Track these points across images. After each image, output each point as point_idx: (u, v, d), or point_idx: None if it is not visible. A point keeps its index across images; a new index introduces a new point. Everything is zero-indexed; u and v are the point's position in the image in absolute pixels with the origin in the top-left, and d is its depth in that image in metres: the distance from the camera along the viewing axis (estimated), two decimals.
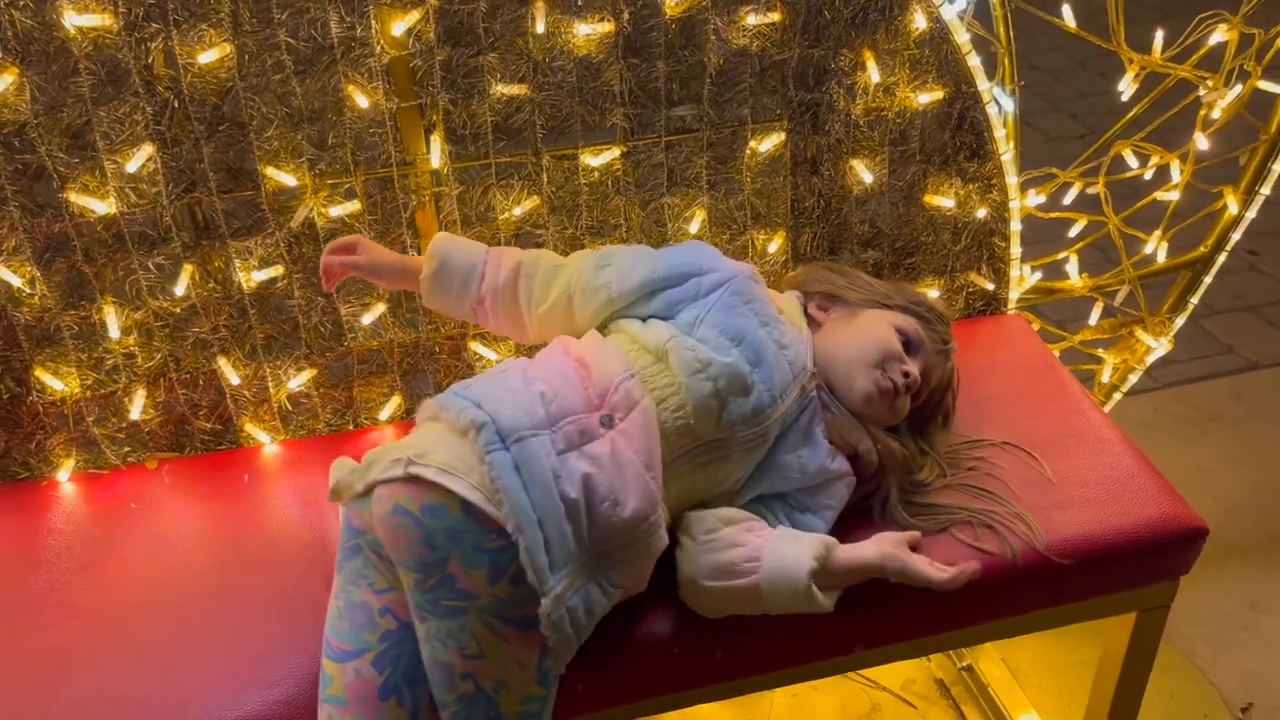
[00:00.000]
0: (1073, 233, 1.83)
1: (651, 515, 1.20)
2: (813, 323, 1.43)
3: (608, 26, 1.45)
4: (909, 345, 1.38)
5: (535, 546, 1.12)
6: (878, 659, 1.41)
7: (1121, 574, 1.40)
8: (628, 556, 1.20)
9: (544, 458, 1.14)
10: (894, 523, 1.35)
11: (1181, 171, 1.76)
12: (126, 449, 1.57)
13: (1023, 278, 1.77)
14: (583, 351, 1.28)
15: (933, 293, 1.74)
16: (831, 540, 1.26)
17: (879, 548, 1.26)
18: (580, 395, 1.21)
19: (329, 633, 1.21)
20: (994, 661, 1.98)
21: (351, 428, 1.64)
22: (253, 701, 1.23)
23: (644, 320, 1.34)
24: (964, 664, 1.99)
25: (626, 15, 1.45)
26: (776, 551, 1.23)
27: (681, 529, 1.29)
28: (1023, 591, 1.37)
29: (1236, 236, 1.84)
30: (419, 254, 1.54)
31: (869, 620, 1.32)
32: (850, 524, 1.36)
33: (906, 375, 1.35)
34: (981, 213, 1.69)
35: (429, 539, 1.12)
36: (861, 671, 2.00)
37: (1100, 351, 1.95)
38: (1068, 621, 1.45)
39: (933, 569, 1.25)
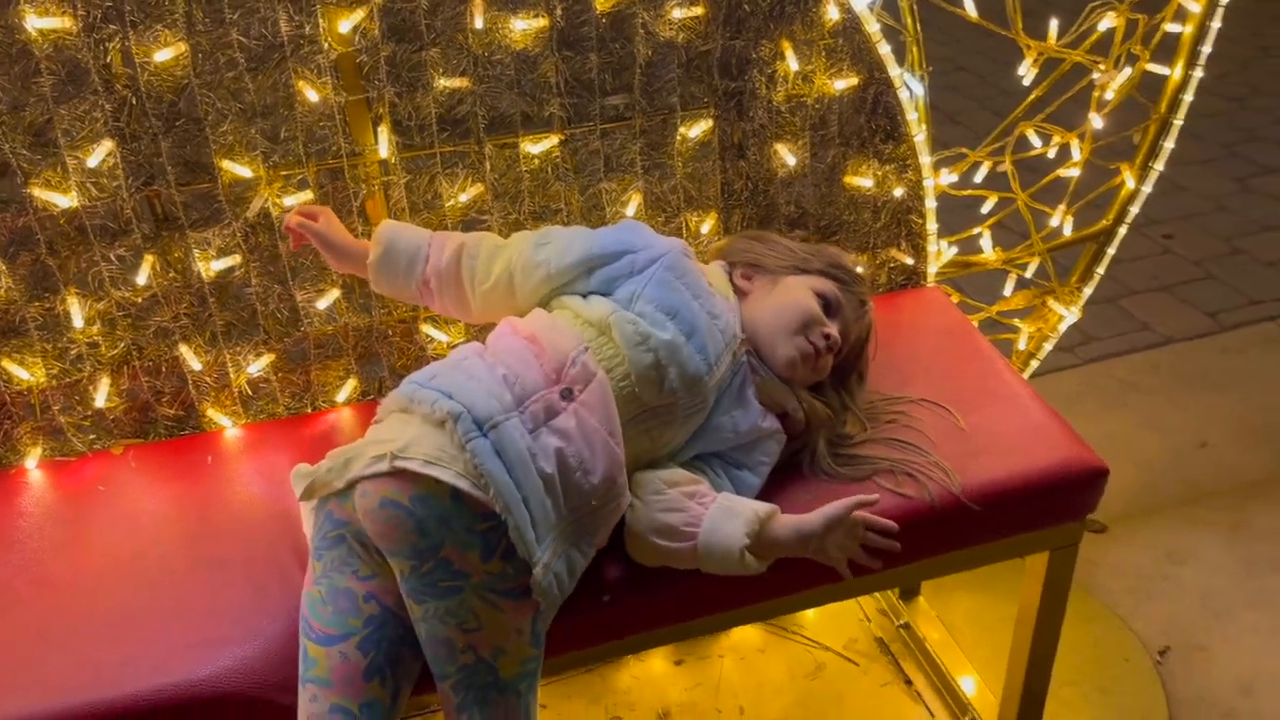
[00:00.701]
0: (985, 209, 1.96)
1: (619, 478, 1.30)
2: (739, 291, 1.52)
3: (542, 22, 1.55)
4: (828, 307, 1.48)
5: (523, 523, 1.20)
6: (807, 602, 1.52)
7: (1032, 514, 1.52)
8: (601, 517, 1.30)
9: (519, 439, 1.22)
10: (822, 474, 1.46)
11: (1081, 150, 1.90)
12: (92, 436, 1.63)
13: (940, 252, 1.89)
14: (531, 328, 1.35)
15: (856, 268, 1.86)
16: (769, 511, 1.32)
17: (815, 540, 1.31)
18: (539, 373, 1.28)
19: (310, 615, 1.27)
20: (930, 619, 2.10)
21: (310, 410, 1.72)
22: (225, 659, 1.29)
23: (585, 296, 1.42)
24: (901, 622, 2.10)
25: (559, 10, 1.55)
26: (713, 525, 1.30)
27: (631, 488, 1.37)
28: (944, 533, 1.48)
29: (1135, 210, 1.98)
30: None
31: (798, 564, 1.42)
32: (783, 477, 1.47)
33: (827, 337, 1.45)
34: (898, 192, 1.81)
35: (421, 527, 1.19)
36: (805, 633, 2.11)
37: (1016, 321, 2.08)
38: (987, 561, 1.57)
39: (844, 566, 1.33)
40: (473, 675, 1.23)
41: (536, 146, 1.63)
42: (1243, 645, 2.06)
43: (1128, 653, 2.06)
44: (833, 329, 1.47)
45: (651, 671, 2.06)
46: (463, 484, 1.19)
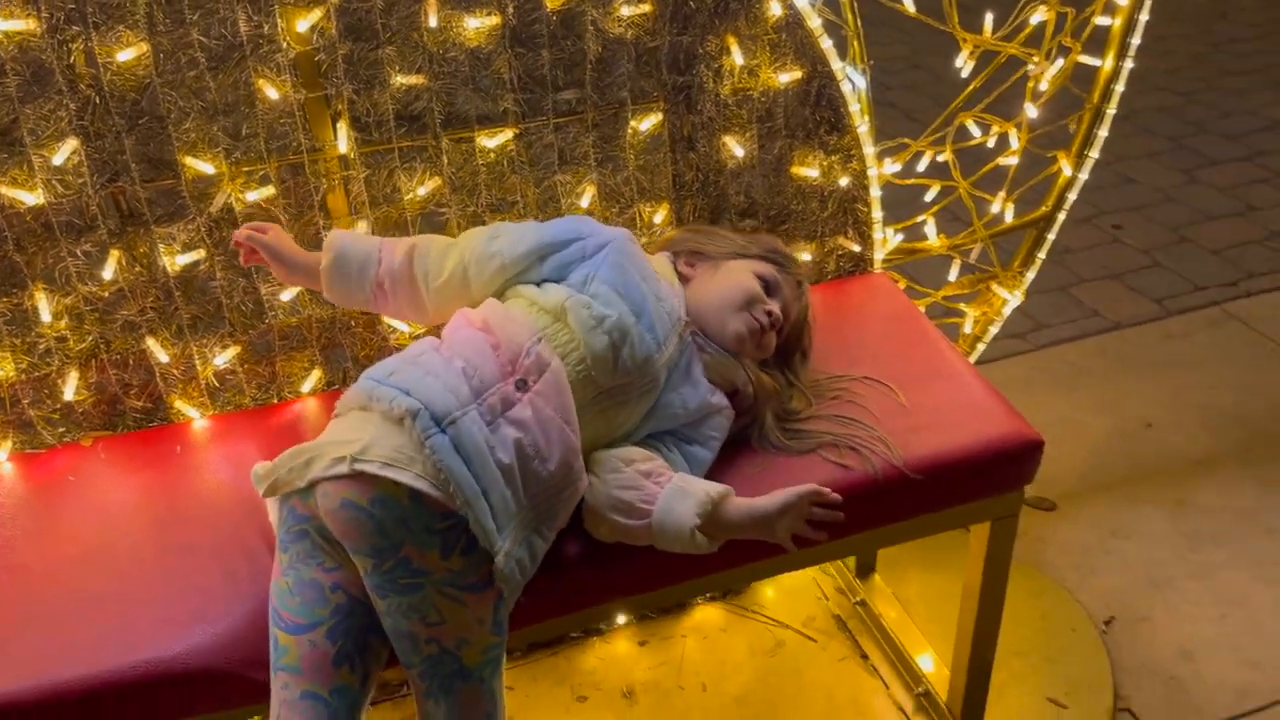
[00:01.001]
0: (928, 197, 2.03)
1: (575, 463, 1.35)
2: (683, 278, 1.59)
3: (494, 20, 1.60)
4: (768, 287, 1.56)
5: (483, 515, 1.25)
6: (756, 574, 1.59)
7: (973, 485, 1.59)
8: (560, 502, 1.35)
9: (477, 433, 1.26)
10: (770, 447, 1.53)
11: (1019, 139, 1.97)
12: (62, 429, 1.66)
13: (885, 240, 1.96)
14: (486, 318, 1.40)
15: (804, 256, 1.93)
16: (721, 493, 1.36)
17: (767, 528, 1.35)
18: (494, 365, 1.33)
19: (279, 605, 1.31)
20: (885, 596, 2.17)
21: (276, 401, 1.76)
22: (196, 637, 1.34)
23: (539, 285, 1.47)
24: (858, 599, 2.17)
25: (511, 9, 1.60)
26: (666, 505, 1.35)
27: (589, 467, 1.42)
28: (890, 505, 1.55)
29: (1073, 196, 2.05)
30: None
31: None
32: (733, 451, 1.53)
33: (770, 314, 1.53)
34: (844, 181, 1.88)
35: (381, 528, 1.23)
36: (765, 612, 2.17)
37: (962, 305, 2.16)
38: (931, 531, 1.63)
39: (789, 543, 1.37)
40: (437, 665, 1.29)
41: (492, 140, 1.68)
42: (1183, 614, 2.14)
43: (1074, 624, 2.13)
44: (774, 306, 1.55)
45: (616, 652, 2.11)
46: (421, 485, 1.23)
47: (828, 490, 1.36)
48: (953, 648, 1.83)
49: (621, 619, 2.13)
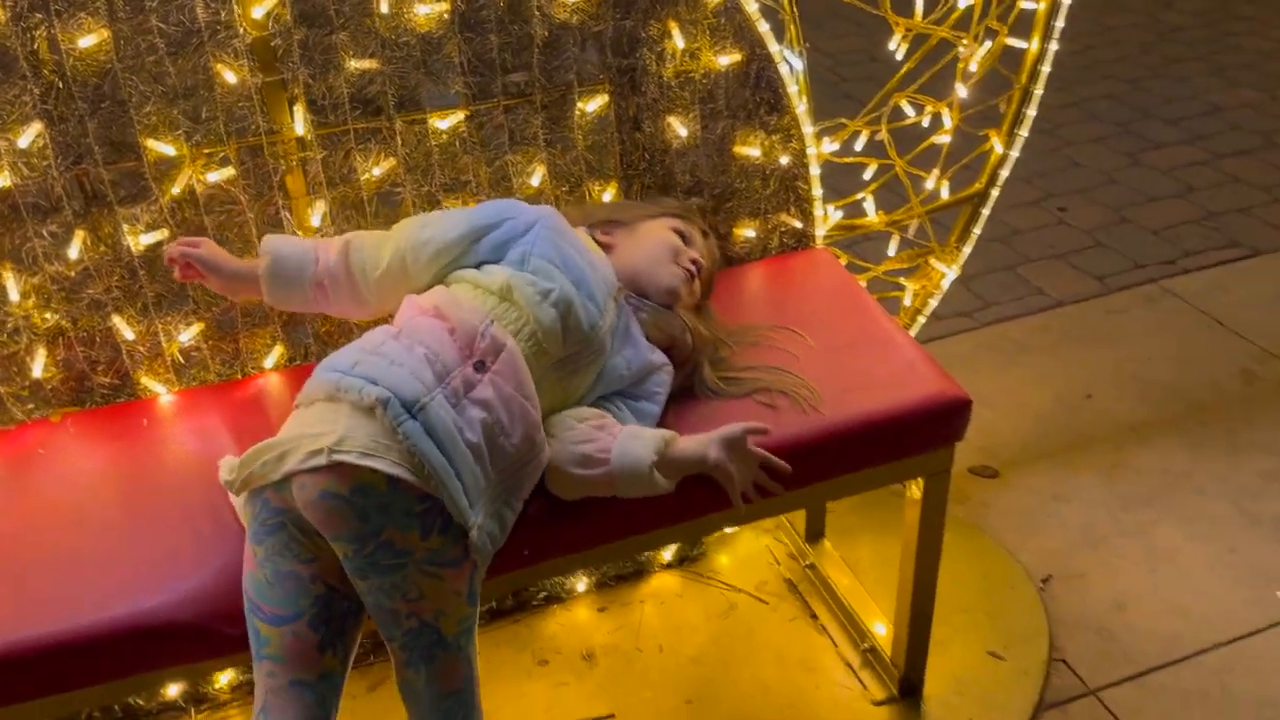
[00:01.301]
0: (867, 175, 2.12)
1: (537, 436, 1.43)
2: (605, 248, 1.67)
3: (444, 5, 1.67)
4: (684, 239, 1.69)
5: (457, 495, 1.31)
6: (710, 527, 1.69)
7: (907, 442, 1.68)
8: (525, 474, 1.43)
9: (446, 416, 1.32)
10: (709, 393, 1.63)
11: (951, 118, 2.07)
12: (30, 405, 1.72)
13: (826, 216, 2.05)
14: (437, 305, 1.45)
15: (749, 232, 2.01)
16: (669, 436, 1.49)
17: (713, 455, 1.47)
18: (453, 349, 1.39)
19: (257, 598, 1.36)
20: (834, 560, 2.25)
21: (240, 376, 1.82)
22: (167, 593, 1.41)
23: (479, 268, 1.53)
24: (808, 563, 2.26)
25: None
26: (622, 449, 1.45)
27: (548, 430, 1.50)
28: (830, 461, 1.64)
29: (1005, 173, 2.15)
30: (290, 214, 1.74)
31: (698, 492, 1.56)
32: (677, 405, 1.63)
33: (695, 261, 1.65)
34: (785, 160, 1.97)
35: (362, 515, 1.29)
36: (720, 577, 2.26)
37: (902, 280, 2.25)
38: (869, 486, 1.73)
39: (737, 495, 1.50)
40: (418, 637, 1.36)
41: (444, 122, 1.76)
42: (1116, 570, 2.25)
43: (1014, 582, 2.23)
44: (695, 254, 1.67)
45: (576, 619, 2.19)
46: (399, 471, 1.28)
47: (761, 424, 1.50)
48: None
49: (582, 586, 2.21)
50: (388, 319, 1.55)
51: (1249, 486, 2.44)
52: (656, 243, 1.66)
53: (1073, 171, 3.90)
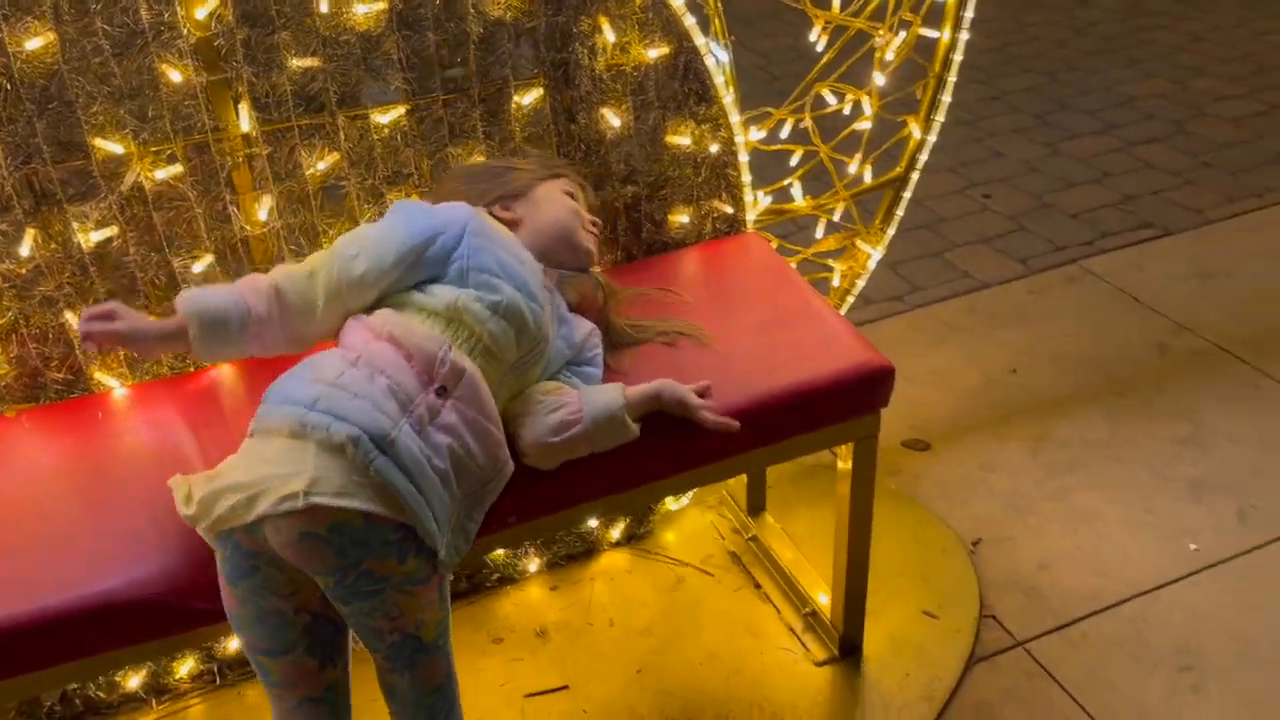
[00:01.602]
0: (793, 162, 2.23)
1: (500, 454, 1.48)
2: (509, 225, 1.66)
3: (382, 4, 1.74)
4: (574, 197, 1.75)
5: (428, 521, 1.36)
6: (650, 495, 1.79)
7: (834, 409, 1.78)
8: (487, 491, 1.49)
9: (414, 446, 1.34)
10: (626, 342, 1.75)
11: (871, 105, 2.18)
12: None
13: (756, 201, 2.15)
14: (390, 331, 1.43)
15: (683, 218, 2.10)
16: (622, 385, 1.60)
17: (659, 381, 1.61)
18: (412, 376, 1.39)
19: (247, 634, 1.40)
20: (776, 532, 2.35)
21: (193, 369, 1.87)
22: (130, 572, 1.45)
23: (422, 289, 1.50)
24: (750, 535, 2.35)
25: None
26: (591, 401, 1.55)
27: (515, 411, 1.57)
28: (763, 430, 1.72)
29: (924, 157, 2.27)
30: (238, 209, 1.79)
31: (654, 455, 1.65)
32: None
33: (595, 222, 1.76)
34: (714, 148, 2.06)
35: (341, 551, 1.31)
36: (667, 553, 2.34)
37: (830, 261, 2.36)
38: (802, 452, 1.82)
39: (702, 407, 1.60)
40: (400, 649, 1.42)
41: (385, 117, 1.82)
42: (1042, 532, 2.37)
43: (946, 546, 2.35)
44: (592, 215, 1.77)
45: (529, 598, 2.26)
46: (374, 507, 1.30)
47: (704, 383, 1.65)
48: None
49: (534, 566, 2.28)
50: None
51: (1163, 452, 2.58)
52: (561, 208, 1.70)
53: (995, 161, 4.05)
